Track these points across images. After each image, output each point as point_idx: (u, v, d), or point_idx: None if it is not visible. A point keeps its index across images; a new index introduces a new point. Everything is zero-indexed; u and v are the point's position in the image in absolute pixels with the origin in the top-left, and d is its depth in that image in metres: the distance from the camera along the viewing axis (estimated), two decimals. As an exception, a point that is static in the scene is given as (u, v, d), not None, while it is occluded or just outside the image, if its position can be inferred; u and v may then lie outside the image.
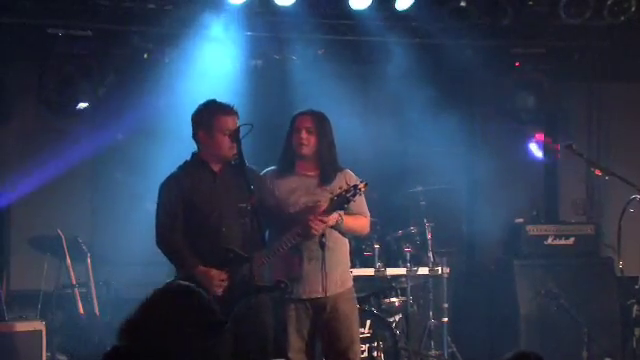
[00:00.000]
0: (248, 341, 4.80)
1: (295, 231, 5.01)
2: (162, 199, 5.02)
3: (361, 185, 4.99)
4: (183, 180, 5.01)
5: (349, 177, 5.24)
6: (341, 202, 4.99)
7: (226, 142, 4.93)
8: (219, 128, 4.94)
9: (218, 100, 5.08)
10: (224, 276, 4.83)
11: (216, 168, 5.06)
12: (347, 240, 5.43)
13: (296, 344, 5.17)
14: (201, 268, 4.85)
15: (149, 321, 2.67)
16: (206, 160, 5.05)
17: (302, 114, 5.35)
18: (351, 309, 5.33)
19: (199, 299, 2.75)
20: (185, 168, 5.08)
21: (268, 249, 4.94)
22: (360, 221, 5.38)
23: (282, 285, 4.88)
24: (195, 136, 5.06)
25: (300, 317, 5.19)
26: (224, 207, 4.95)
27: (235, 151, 4.90)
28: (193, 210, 4.97)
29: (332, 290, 5.18)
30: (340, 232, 5.29)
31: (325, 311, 5.17)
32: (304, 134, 5.24)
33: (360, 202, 5.26)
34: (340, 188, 5.02)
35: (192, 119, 5.07)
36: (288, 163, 5.30)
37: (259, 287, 4.84)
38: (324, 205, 5.03)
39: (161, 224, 5.00)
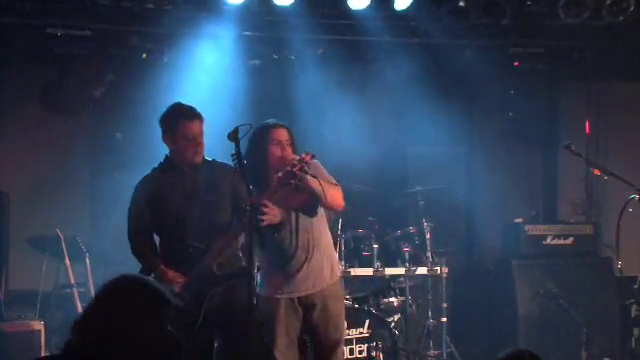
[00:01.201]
0: (231, 328, 4.88)
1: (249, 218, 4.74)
2: (131, 202, 5.12)
3: (307, 157, 4.68)
4: (151, 182, 5.09)
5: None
6: (287, 178, 4.70)
7: (190, 148, 4.97)
8: (182, 134, 4.97)
9: (183, 103, 5.08)
10: (180, 278, 4.89)
11: (185, 168, 5.09)
12: (329, 234, 5.31)
13: (282, 343, 5.09)
14: (160, 268, 4.95)
15: (100, 313, 2.72)
16: (174, 161, 5.09)
17: (276, 126, 5.07)
18: (340, 309, 5.25)
19: (150, 289, 2.80)
20: (155, 170, 5.16)
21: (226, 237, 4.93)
22: (330, 187, 5.00)
23: (247, 271, 4.87)
24: (163, 139, 5.10)
25: (290, 318, 5.12)
26: (190, 205, 4.98)
27: (200, 157, 4.98)
28: (159, 211, 5.04)
29: (320, 285, 5.11)
30: (317, 202, 5.05)
31: (315, 310, 5.11)
32: (284, 147, 5.01)
33: (321, 174, 4.97)
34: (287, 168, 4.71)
35: (159, 123, 5.09)
36: (263, 179, 5.01)
37: (224, 275, 4.89)
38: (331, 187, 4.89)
39: (129, 226, 5.12)
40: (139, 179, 5.21)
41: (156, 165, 5.19)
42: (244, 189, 4.65)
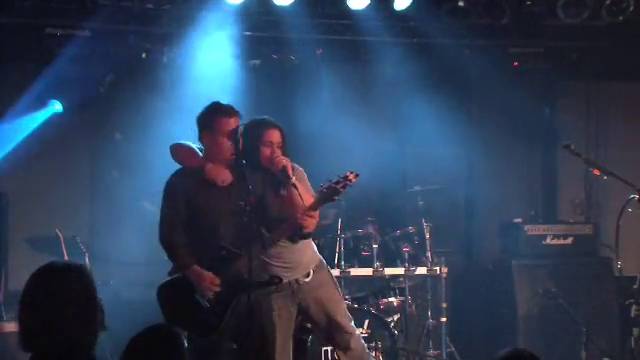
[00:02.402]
0: (249, 339, 4.86)
1: (284, 227, 4.99)
2: (166, 197, 5.06)
3: (351, 176, 4.80)
4: (186, 180, 5.05)
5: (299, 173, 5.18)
6: (330, 194, 4.85)
7: (227, 144, 4.96)
8: (221, 130, 4.97)
9: (221, 102, 5.11)
10: (217, 281, 4.88)
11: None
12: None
13: (280, 343, 5.18)
14: (195, 268, 4.91)
15: (30, 297, 2.93)
16: (209, 160, 5.08)
17: (271, 127, 5.16)
18: (332, 292, 5.42)
19: (78, 275, 2.94)
20: (189, 169, 5.12)
21: (260, 245, 4.95)
22: (311, 197, 5.10)
23: (276, 280, 4.91)
24: (200, 138, 5.10)
25: (286, 319, 5.25)
26: (222, 207, 4.97)
27: (237, 154, 4.96)
28: (193, 210, 5.01)
29: (309, 267, 5.29)
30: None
31: (310, 305, 5.30)
32: (274, 149, 5.10)
33: (304, 184, 5.12)
34: (329, 181, 4.86)
35: (196, 121, 5.10)
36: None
37: (254, 283, 4.87)
38: (310, 199, 4.97)
39: (163, 222, 5.05)
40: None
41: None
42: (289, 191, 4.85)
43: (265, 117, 5.25)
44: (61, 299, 2.86)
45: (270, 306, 5.11)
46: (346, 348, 5.42)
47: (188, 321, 4.83)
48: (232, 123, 4.97)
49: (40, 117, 7.83)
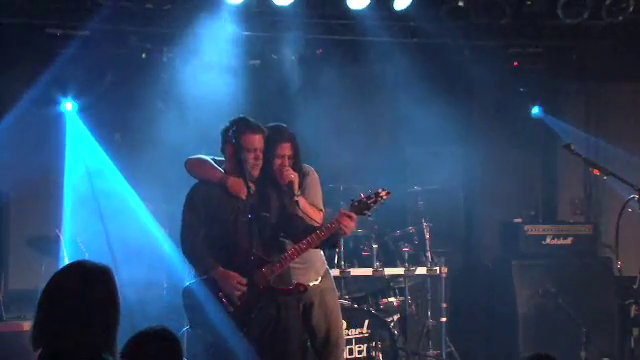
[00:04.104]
0: (273, 347, 4.92)
1: (319, 233, 4.95)
2: (188, 207, 5.12)
3: (383, 193, 4.94)
4: (207, 189, 5.10)
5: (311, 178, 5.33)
6: (360, 209, 4.95)
7: (250, 160, 5.02)
8: (246, 147, 5.02)
9: (248, 118, 5.14)
10: (243, 281, 4.91)
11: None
12: None
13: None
14: (221, 270, 4.94)
15: (51, 294, 2.94)
16: (230, 174, 5.12)
17: (283, 140, 5.25)
18: (336, 302, 5.54)
19: (103, 278, 2.97)
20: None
21: (285, 254, 5.00)
22: (314, 212, 5.28)
23: (301, 288, 4.95)
24: (222, 150, 5.15)
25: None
26: (244, 218, 5.01)
27: (258, 170, 5.04)
28: (213, 218, 5.06)
29: (320, 272, 5.40)
30: None
31: (314, 304, 5.38)
32: (284, 161, 5.21)
33: (315, 193, 5.29)
34: (361, 196, 4.97)
35: (221, 133, 5.14)
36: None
37: (279, 290, 4.94)
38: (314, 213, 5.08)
39: (185, 232, 5.10)
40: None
41: None
42: (292, 207, 4.96)
43: (280, 127, 5.33)
44: (82, 300, 2.88)
45: (296, 314, 5.14)
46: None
47: (211, 322, 4.85)
48: (257, 141, 5.04)
49: (49, 115, 7.86)
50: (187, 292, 5.03)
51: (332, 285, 5.57)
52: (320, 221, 5.23)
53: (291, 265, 5.14)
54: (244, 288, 4.90)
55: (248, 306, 4.90)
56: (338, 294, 5.90)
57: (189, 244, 5.08)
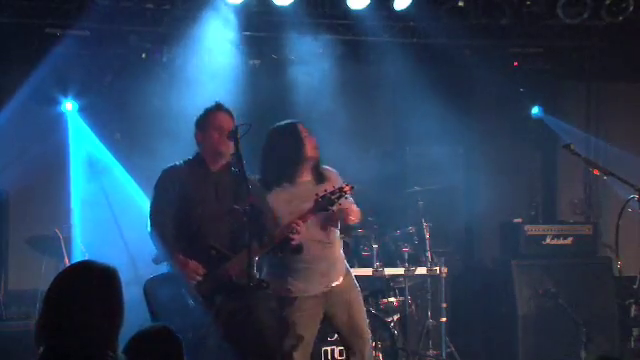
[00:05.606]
0: (241, 338, 4.86)
1: (282, 231, 4.96)
2: (159, 185, 5.11)
3: (346, 188, 4.94)
4: (181, 172, 5.11)
5: (333, 176, 5.31)
6: (325, 204, 4.94)
7: (216, 137, 5.03)
8: (212, 125, 5.08)
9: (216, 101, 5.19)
10: (201, 270, 4.88)
11: (213, 168, 5.12)
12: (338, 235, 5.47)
13: (300, 344, 5.24)
14: (180, 257, 4.92)
15: (56, 292, 2.95)
16: (204, 159, 5.14)
17: (297, 123, 5.32)
18: (357, 297, 5.49)
19: (108, 278, 2.98)
20: (185, 162, 5.18)
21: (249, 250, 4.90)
22: (353, 211, 5.30)
23: (263, 284, 4.90)
24: (195, 138, 5.17)
25: (311, 316, 5.28)
26: (212, 205, 5.01)
27: (231, 149, 4.94)
28: (182, 203, 5.04)
29: (340, 275, 5.34)
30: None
31: (340, 301, 5.33)
32: (314, 138, 5.27)
33: (346, 202, 5.23)
34: (325, 191, 4.95)
35: (194, 125, 5.19)
36: (291, 171, 5.25)
37: (241, 286, 4.84)
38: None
39: (154, 207, 5.09)
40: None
41: (185, 159, 5.20)
42: (261, 203, 4.82)
43: (295, 122, 5.35)
44: (87, 299, 2.89)
45: (269, 307, 5.11)
46: (359, 352, 5.42)
47: (174, 316, 4.82)
48: (221, 117, 5.08)
49: (50, 115, 7.87)
50: (149, 285, 4.95)
51: (353, 282, 5.50)
52: (359, 217, 5.31)
53: (310, 266, 5.16)
54: (199, 277, 4.85)
55: (208, 296, 4.84)
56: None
57: (155, 224, 5.04)
